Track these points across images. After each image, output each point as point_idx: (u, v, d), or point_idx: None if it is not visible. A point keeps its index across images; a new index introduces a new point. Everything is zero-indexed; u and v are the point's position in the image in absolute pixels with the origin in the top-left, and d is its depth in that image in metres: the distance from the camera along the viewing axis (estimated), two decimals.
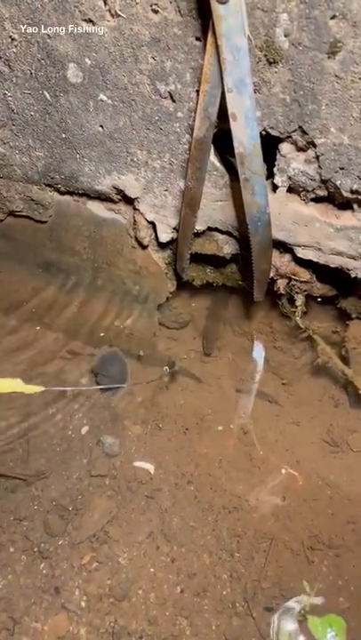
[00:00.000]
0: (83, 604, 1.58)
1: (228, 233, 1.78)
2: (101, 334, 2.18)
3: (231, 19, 1.14)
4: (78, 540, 1.69)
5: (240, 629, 1.52)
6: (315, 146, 1.40)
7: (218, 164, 1.59)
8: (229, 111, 1.30)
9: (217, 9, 1.14)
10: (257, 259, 1.65)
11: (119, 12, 1.37)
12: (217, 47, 1.21)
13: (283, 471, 1.86)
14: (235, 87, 1.25)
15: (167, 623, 1.53)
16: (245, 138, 1.34)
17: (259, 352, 2.18)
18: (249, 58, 1.21)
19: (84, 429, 1.97)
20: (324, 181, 1.47)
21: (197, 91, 1.40)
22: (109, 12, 1.39)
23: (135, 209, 1.81)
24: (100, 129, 1.63)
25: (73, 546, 1.68)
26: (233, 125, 1.32)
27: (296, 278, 1.78)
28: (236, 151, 1.37)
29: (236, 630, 1.51)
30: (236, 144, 1.36)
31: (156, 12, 1.34)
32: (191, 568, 1.64)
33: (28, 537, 1.70)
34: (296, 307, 1.88)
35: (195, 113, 1.42)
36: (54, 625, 1.54)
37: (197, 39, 1.34)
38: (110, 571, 1.63)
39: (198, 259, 1.94)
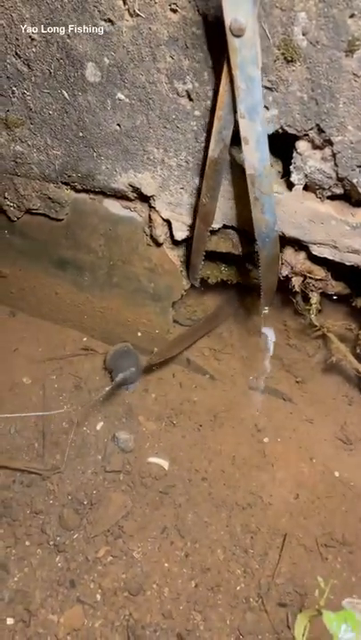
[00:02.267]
0: (98, 597, 1.59)
1: (242, 231, 1.79)
2: (116, 331, 2.20)
3: (245, 51, 1.18)
4: (93, 534, 1.71)
5: (254, 624, 1.53)
6: (332, 144, 1.41)
7: None
8: (242, 135, 1.34)
9: (232, 42, 1.18)
10: (264, 272, 1.73)
11: (138, 12, 1.39)
12: (231, 76, 1.25)
13: (296, 468, 1.87)
14: (247, 114, 1.30)
15: (181, 617, 1.55)
16: (256, 161, 1.38)
17: (272, 349, 2.19)
18: (261, 87, 1.25)
19: (99, 425, 1.99)
20: (340, 179, 1.47)
21: (215, 90, 1.41)
22: (128, 11, 1.40)
23: (151, 207, 1.82)
24: (118, 127, 1.65)
25: (88, 540, 1.70)
26: (245, 149, 1.37)
27: (311, 276, 1.78)
28: (248, 172, 1.42)
29: (250, 625, 1.52)
30: (247, 166, 1.40)
31: (174, 11, 1.35)
32: (205, 563, 1.65)
33: (43, 530, 1.72)
34: (311, 304, 1.88)
35: (210, 112, 1.44)
36: (69, 617, 1.56)
37: (215, 39, 1.35)
38: (125, 565, 1.65)
39: (213, 256, 1.95)
